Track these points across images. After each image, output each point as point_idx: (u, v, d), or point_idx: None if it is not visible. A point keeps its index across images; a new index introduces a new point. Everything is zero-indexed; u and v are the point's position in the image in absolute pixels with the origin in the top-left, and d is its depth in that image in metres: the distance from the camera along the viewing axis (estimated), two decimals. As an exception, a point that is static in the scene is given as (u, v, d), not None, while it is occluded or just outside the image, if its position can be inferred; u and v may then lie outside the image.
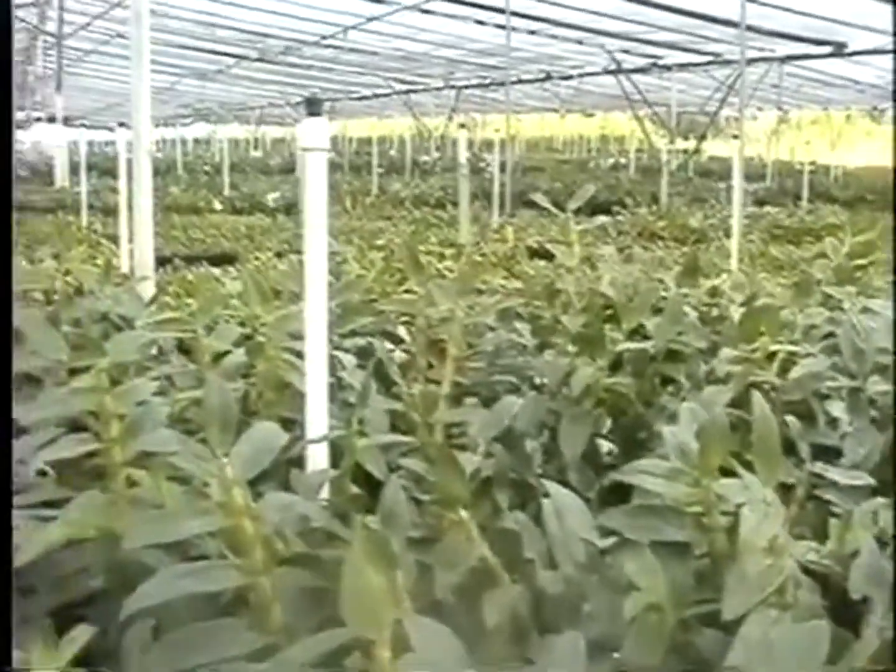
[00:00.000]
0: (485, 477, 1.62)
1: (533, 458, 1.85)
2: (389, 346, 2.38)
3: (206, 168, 19.74)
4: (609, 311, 2.37)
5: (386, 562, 1.00)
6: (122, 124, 4.70)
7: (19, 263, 5.40)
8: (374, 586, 0.97)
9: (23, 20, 15.74)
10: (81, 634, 1.15)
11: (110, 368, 1.61)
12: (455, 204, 9.75)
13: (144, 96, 3.63)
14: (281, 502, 1.30)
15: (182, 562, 1.30)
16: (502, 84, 14.88)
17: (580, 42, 15.20)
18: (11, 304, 1.17)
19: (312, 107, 1.66)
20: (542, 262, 4.61)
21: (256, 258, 6.42)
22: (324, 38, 15.97)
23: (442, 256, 5.74)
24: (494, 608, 1.23)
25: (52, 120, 18.21)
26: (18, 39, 17.78)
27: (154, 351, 2.34)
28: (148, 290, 3.16)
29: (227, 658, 1.12)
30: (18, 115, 28.96)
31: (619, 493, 1.60)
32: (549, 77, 19.07)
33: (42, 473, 1.63)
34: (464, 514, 1.34)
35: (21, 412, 1.74)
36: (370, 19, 14.30)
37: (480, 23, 13.98)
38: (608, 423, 2.08)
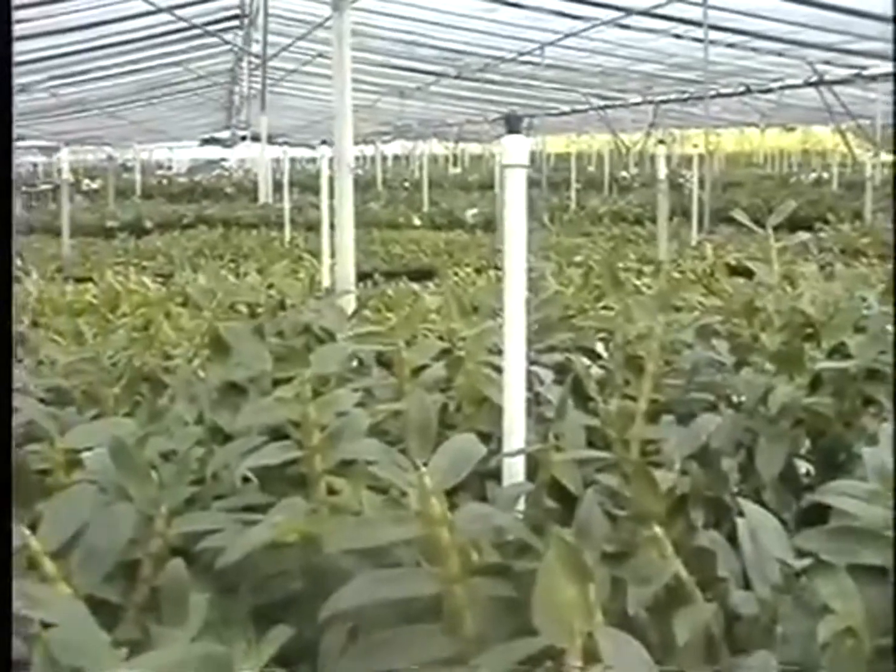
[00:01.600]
0: (680, 494, 1.61)
1: (729, 476, 1.83)
2: (587, 361, 2.38)
3: (406, 184, 20.03)
4: (809, 330, 2.33)
5: (579, 574, 1.01)
6: (323, 142, 4.81)
7: (226, 277, 5.59)
8: (567, 597, 0.98)
9: (228, 42, 16.23)
10: (280, 635, 1.19)
11: (312, 379, 1.66)
12: (653, 220, 9.67)
13: (346, 114, 3.71)
14: (477, 513, 1.32)
15: (377, 568, 1.34)
16: (701, 98, 14.65)
17: (780, 54, 14.88)
18: (11, 303, 1.22)
19: (512, 124, 1.68)
20: (742, 280, 4.53)
21: (455, 273, 6.48)
22: (521, 54, 16.01)
23: (640, 273, 5.70)
24: (686, 625, 1.23)
25: (256, 138, 18.72)
26: (225, 61, 18.34)
27: (355, 363, 2.40)
28: (349, 304, 3.23)
29: (422, 662, 1.15)
30: (224, 134, 29.86)
31: (817, 515, 1.57)
32: (748, 90, 18.72)
33: (245, 479, 1.69)
34: (658, 530, 1.34)
35: (226, 420, 1.82)
36: (567, 35, 14.28)
37: (678, 36, 13.81)
38: (807, 443, 2.05)
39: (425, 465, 1.25)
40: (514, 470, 1.69)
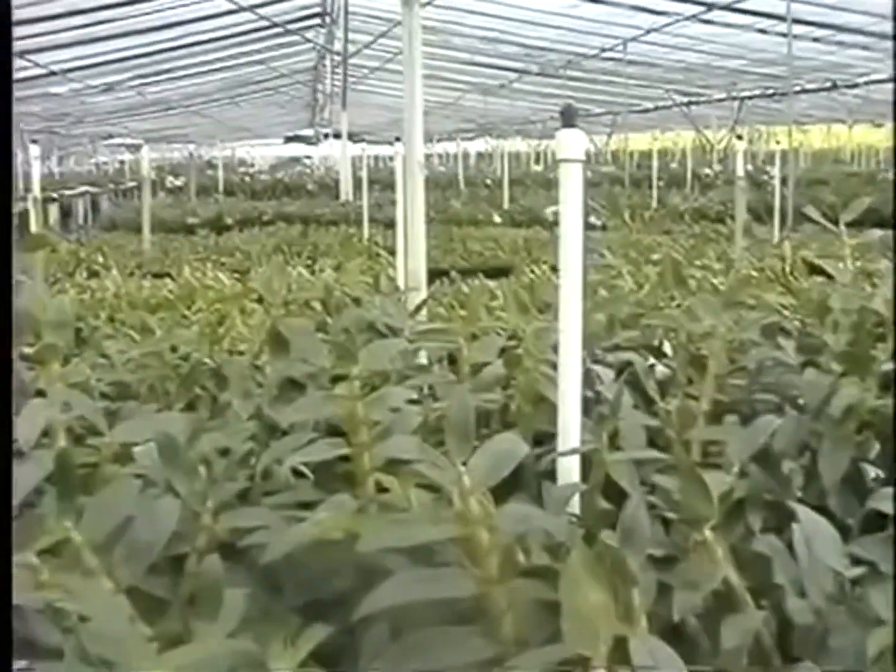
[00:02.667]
0: (737, 498, 1.58)
1: (791, 480, 1.79)
2: (653, 360, 2.35)
3: (487, 182, 20.00)
4: (881, 330, 2.28)
5: (606, 579, 0.98)
6: (398, 139, 4.80)
7: (300, 274, 5.62)
8: (592, 603, 0.96)
9: (309, 40, 16.33)
10: (317, 633, 1.18)
11: (371, 376, 1.65)
12: (735, 218, 9.56)
13: (417, 111, 3.70)
14: (519, 514, 1.30)
15: (426, 568, 1.32)
16: (785, 94, 14.45)
17: (866, 48, 14.65)
18: (11, 303, 1.21)
19: (567, 117, 1.65)
20: (821, 279, 4.47)
21: (532, 271, 6.43)
22: (604, 50, 15.93)
23: (717, 272, 5.63)
24: (734, 632, 1.20)
25: (338, 136, 18.81)
26: (308, 59, 18.47)
27: (424, 361, 2.39)
28: (421, 300, 3.22)
29: (459, 665, 1.13)
30: (308, 132, 30.07)
31: (882, 521, 1.53)
32: (834, 86, 18.44)
33: (299, 474, 1.69)
34: (709, 534, 1.31)
35: (281, 415, 1.81)
36: (650, 31, 14.17)
37: (762, 31, 13.64)
38: (877, 447, 1.99)
39: (465, 464, 1.23)
40: (569, 470, 1.67)
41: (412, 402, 1.79)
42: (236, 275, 5.86)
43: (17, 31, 11.11)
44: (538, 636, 1.18)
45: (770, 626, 1.27)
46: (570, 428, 1.67)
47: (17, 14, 10.83)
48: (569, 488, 1.62)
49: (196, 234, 10.91)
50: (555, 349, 2.06)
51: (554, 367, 1.98)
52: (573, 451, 1.65)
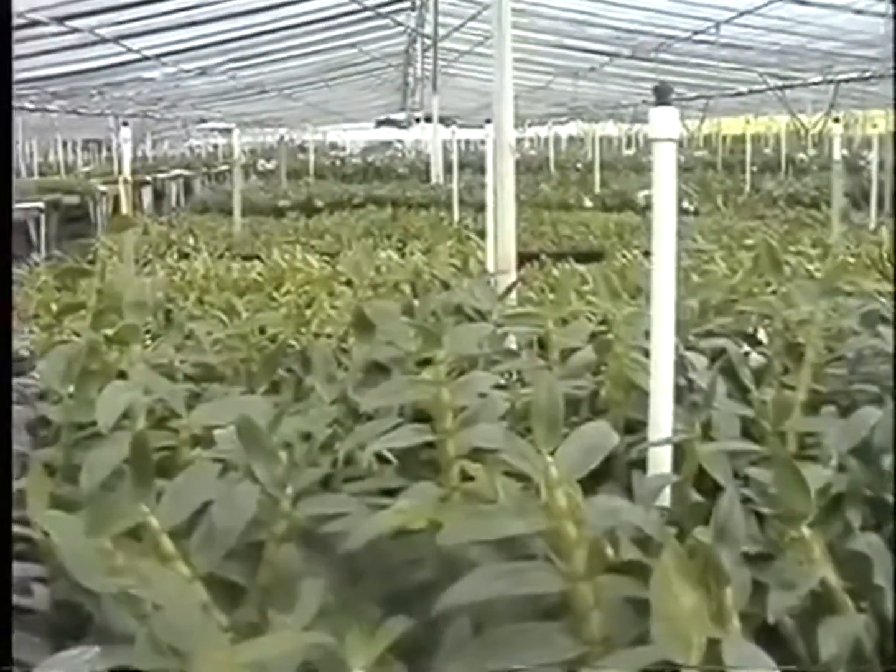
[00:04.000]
0: (836, 493, 1.51)
1: (892, 475, 1.72)
2: (747, 348, 2.28)
3: (578, 166, 19.86)
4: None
5: (699, 579, 0.93)
6: (488, 121, 4.76)
7: (390, 256, 5.60)
8: (683, 605, 0.91)
9: (400, 24, 16.34)
10: (396, 626, 1.15)
11: (458, 360, 1.61)
12: (830, 203, 9.38)
13: (507, 95, 3.66)
14: (607, 507, 1.25)
15: (511, 561, 1.28)
16: (882, 77, 14.14)
17: (967, 27, 14.31)
18: (11, 302, 1.18)
19: (661, 95, 1.59)
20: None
21: (623, 255, 6.35)
22: (696, 33, 15.70)
23: (812, 258, 5.51)
24: (832, 636, 1.14)
25: (429, 119, 18.79)
26: (399, 42, 18.49)
27: (513, 346, 2.35)
28: (507, 284, 3.18)
29: (543, 664, 1.09)
30: (399, 116, 30.14)
31: None
32: (933, 67, 18.05)
33: (383, 460, 1.65)
34: (805, 531, 1.25)
35: (365, 400, 1.78)
36: (743, 13, 13.94)
37: (859, 12, 13.34)
38: None
39: (552, 453, 1.18)
40: (660, 460, 1.61)
41: (499, 387, 1.75)
42: (325, 257, 5.84)
43: (113, 17, 11.24)
44: (626, 635, 1.13)
45: (871, 629, 1.20)
46: (661, 417, 1.61)
47: (110, 0, 10.95)
48: (660, 479, 1.57)
49: (286, 216, 10.93)
50: (646, 335, 2.01)
51: (645, 353, 1.92)
52: (666, 441, 1.59)
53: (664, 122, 1.59)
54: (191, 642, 1.06)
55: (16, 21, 9.97)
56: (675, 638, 0.91)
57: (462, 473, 1.50)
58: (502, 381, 1.87)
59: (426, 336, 1.61)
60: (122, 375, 1.76)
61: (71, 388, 1.76)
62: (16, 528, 1.44)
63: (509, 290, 2.73)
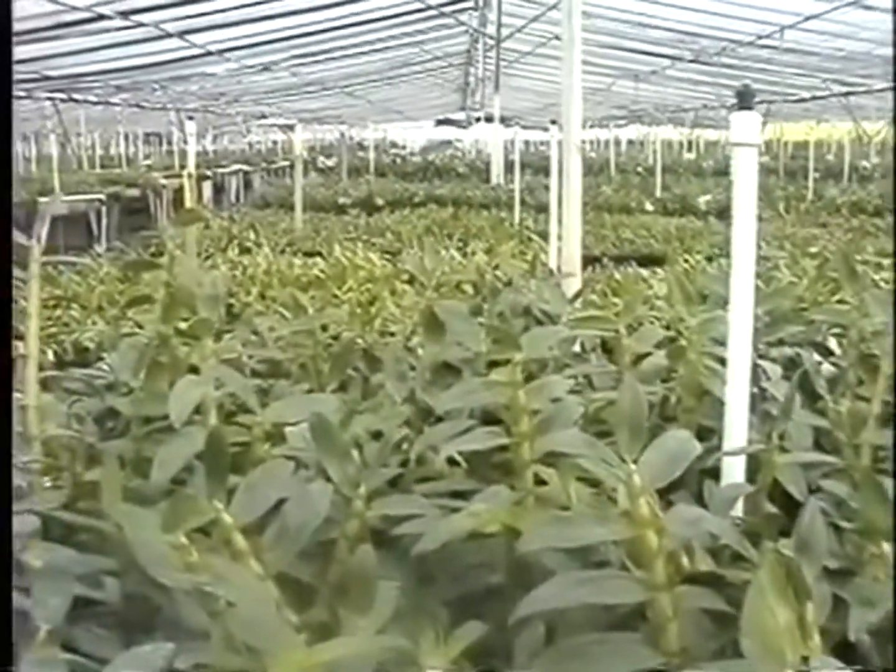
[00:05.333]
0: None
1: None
2: (817, 357, 2.25)
3: (639, 169, 19.78)
4: None
5: (796, 595, 0.91)
6: (553, 122, 4.73)
7: (452, 256, 5.59)
8: (780, 621, 0.88)
9: (463, 23, 16.32)
10: (472, 631, 1.13)
11: (527, 363, 1.59)
12: (894, 212, 9.28)
13: (575, 96, 3.64)
14: (689, 516, 1.22)
15: (583, 567, 1.26)
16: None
17: None
18: (11, 303, 1.17)
19: (744, 99, 1.56)
20: None
21: (685, 260, 6.31)
22: (760, 37, 15.53)
23: (879, 267, 5.44)
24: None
25: (489, 119, 18.77)
26: (461, 42, 18.48)
27: (578, 348, 2.33)
28: (574, 286, 3.16)
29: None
30: (459, 115, 30.15)
31: None
32: None
33: (452, 462, 1.64)
34: (886, 547, 1.22)
35: (437, 401, 1.76)
36: (808, 17, 13.75)
37: (926, 17, 13.17)
38: None
39: (635, 461, 1.16)
40: (734, 469, 1.59)
41: (571, 391, 1.73)
42: (387, 255, 5.85)
43: (176, 12, 11.30)
44: (705, 647, 1.11)
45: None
46: (736, 426, 1.59)
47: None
48: (734, 489, 1.55)
49: (347, 213, 10.97)
50: (716, 341, 1.98)
51: (717, 360, 1.90)
52: (742, 451, 1.57)
53: (746, 127, 1.56)
54: (266, 641, 1.05)
55: (82, 15, 10.05)
56: (769, 653, 0.89)
57: (534, 477, 1.49)
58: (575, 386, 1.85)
59: (503, 338, 1.59)
60: (191, 370, 1.76)
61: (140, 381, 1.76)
62: (88, 520, 1.44)
63: (580, 293, 2.71)
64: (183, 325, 1.76)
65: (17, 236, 1.81)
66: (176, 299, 1.81)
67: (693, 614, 1.16)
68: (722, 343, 1.94)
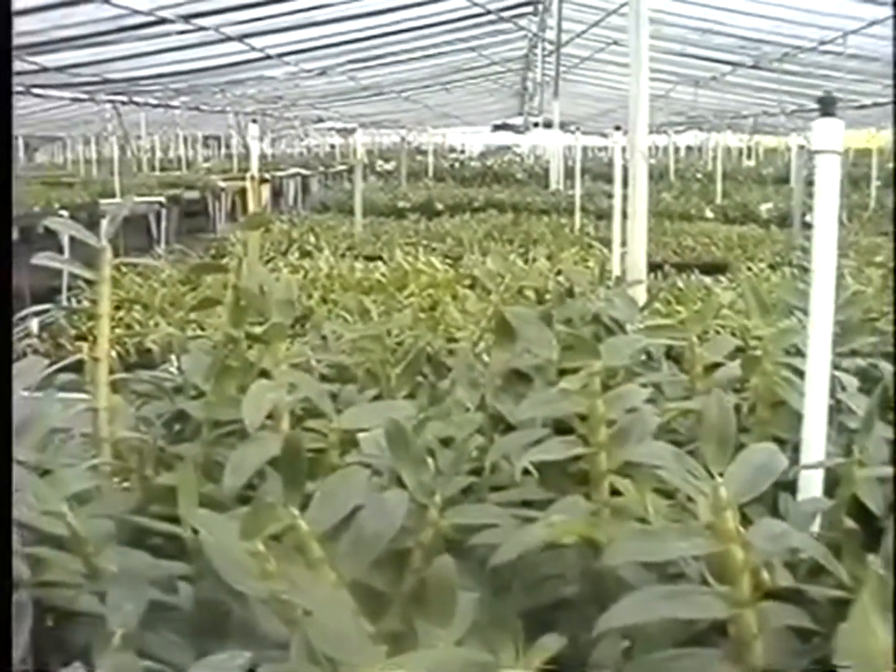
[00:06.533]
0: None
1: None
2: (891, 368, 2.21)
3: (698, 176, 19.66)
4: None
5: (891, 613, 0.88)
6: (617, 128, 4.70)
7: (514, 261, 5.57)
8: (880, 645, 0.86)
9: (522, 28, 16.28)
10: (552, 643, 1.11)
11: (602, 372, 1.57)
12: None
13: (642, 102, 3.60)
14: (773, 531, 1.20)
15: (658, 580, 1.24)
16: None
17: None
18: (11, 303, 1.15)
19: (826, 106, 1.54)
20: None
21: (748, 269, 6.26)
22: (822, 43, 15.38)
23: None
24: None
25: (548, 125, 18.72)
26: (519, 47, 18.44)
27: (643, 357, 2.30)
28: (639, 295, 3.13)
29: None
30: (516, 121, 30.13)
31: None
32: None
33: (525, 472, 1.62)
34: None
35: (508, 408, 1.75)
36: (872, 23, 13.59)
37: None
38: None
39: (721, 474, 1.14)
40: (811, 483, 1.56)
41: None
42: (448, 260, 5.83)
43: (237, 16, 11.37)
44: (789, 665, 1.09)
45: None
46: (815, 439, 1.56)
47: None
48: (814, 504, 1.52)
49: (406, 218, 10.97)
50: (790, 352, 1.95)
51: (794, 371, 1.87)
52: (822, 465, 1.54)
53: (828, 134, 1.54)
54: (346, 652, 1.04)
55: (144, 19, 10.13)
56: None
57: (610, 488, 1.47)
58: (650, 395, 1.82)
59: (581, 346, 1.57)
60: (260, 374, 1.75)
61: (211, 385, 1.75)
62: (163, 525, 1.44)
63: (651, 301, 2.68)
64: (257, 329, 1.75)
65: (88, 237, 1.82)
66: (247, 303, 1.80)
67: (777, 631, 1.14)
68: (793, 353, 1.91)
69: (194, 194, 16.69)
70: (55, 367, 1.81)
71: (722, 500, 1.10)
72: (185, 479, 1.32)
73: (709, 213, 12.60)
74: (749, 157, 28.18)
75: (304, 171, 21.51)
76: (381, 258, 6.27)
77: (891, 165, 22.54)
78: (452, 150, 32.94)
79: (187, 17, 10.74)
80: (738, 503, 1.13)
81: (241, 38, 12.61)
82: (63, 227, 1.88)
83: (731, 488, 1.12)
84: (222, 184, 16.65)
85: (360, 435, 1.59)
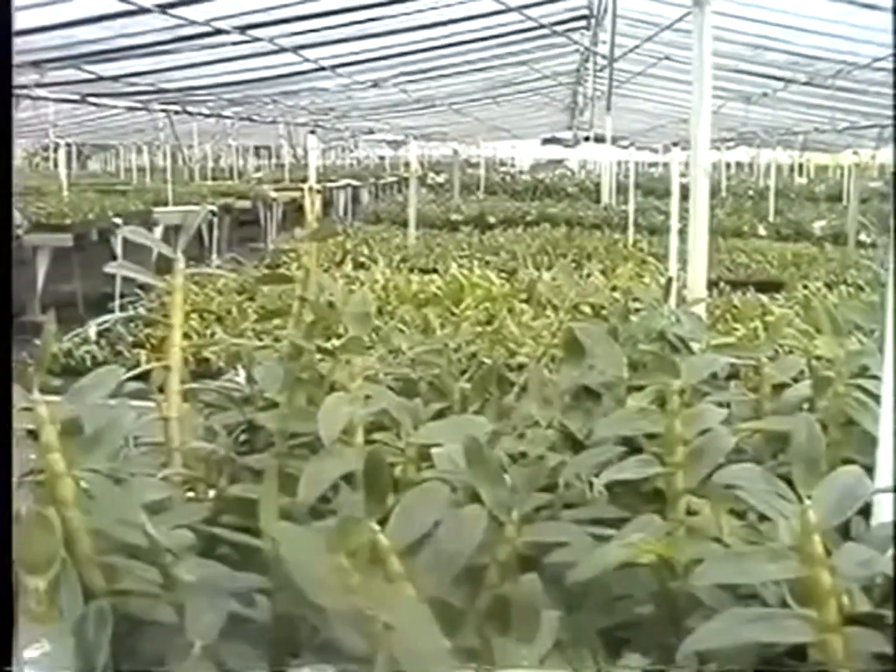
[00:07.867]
0: None
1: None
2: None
3: (750, 193, 19.57)
4: None
5: None
6: (675, 144, 4.69)
7: (567, 277, 5.56)
8: None
9: (575, 42, 16.26)
10: (634, 664, 1.11)
11: (675, 391, 1.56)
12: None
13: (704, 119, 3.60)
14: (860, 556, 1.19)
15: (735, 600, 1.23)
16: None
17: None
18: (11, 304, 1.15)
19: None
20: None
21: (804, 287, 6.21)
22: (876, 60, 15.26)
23: None
24: None
25: (598, 140, 18.70)
26: (570, 61, 18.42)
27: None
28: (699, 312, 3.12)
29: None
30: (566, 135, 30.09)
31: None
32: None
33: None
34: None
35: (577, 425, 1.74)
36: (927, 39, 13.51)
37: None
38: None
39: (808, 497, 1.13)
40: (885, 507, 1.54)
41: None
42: (503, 274, 5.83)
43: (290, 28, 11.42)
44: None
45: None
46: (888, 462, 1.54)
47: (291, 10, 11.16)
48: (886, 528, 1.50)
49: (459, 231, 10.99)
50: (859, 374, 1.93)
51: (866, 393, 1.85)
52: (893, 489, 1.52)
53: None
54: (429, 668, 1.04)
55: (200, 29, 10.20)
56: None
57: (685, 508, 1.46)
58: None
59: (660, 364, 1.57)
60: (333, 388, 1.76)
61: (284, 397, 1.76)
62: (239, 537, 1.44)
63: (718, 320, 2.67)
64: (336, 343, 1.76)
65: (162, 247, 1.84)
66: (319, 315, 1.81)
67: (859, 656, 1.13)
68: (863, 375, 1.90)
69: (246, 203, 16.78)
70: (129, 375, 1.82)
71: (810, 523, 1.10)
72: (267, 492, 1.33)
73: (762, 231, 12.55)
74: (801, 174, 28.02)
75: (354, 182, 21.59)
76: (435, 270, 6.28)
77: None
78: (502, 163, 32.96)
79: (243, 29, 10.80)
80: (828, 527, 1.12)
81: (295, 49, 12.66)
82: (139, 237, 1.89)
83: (818, 512, 1.12)
84: (274, 194, 16.74)
85: (434, 450, 1.59)
